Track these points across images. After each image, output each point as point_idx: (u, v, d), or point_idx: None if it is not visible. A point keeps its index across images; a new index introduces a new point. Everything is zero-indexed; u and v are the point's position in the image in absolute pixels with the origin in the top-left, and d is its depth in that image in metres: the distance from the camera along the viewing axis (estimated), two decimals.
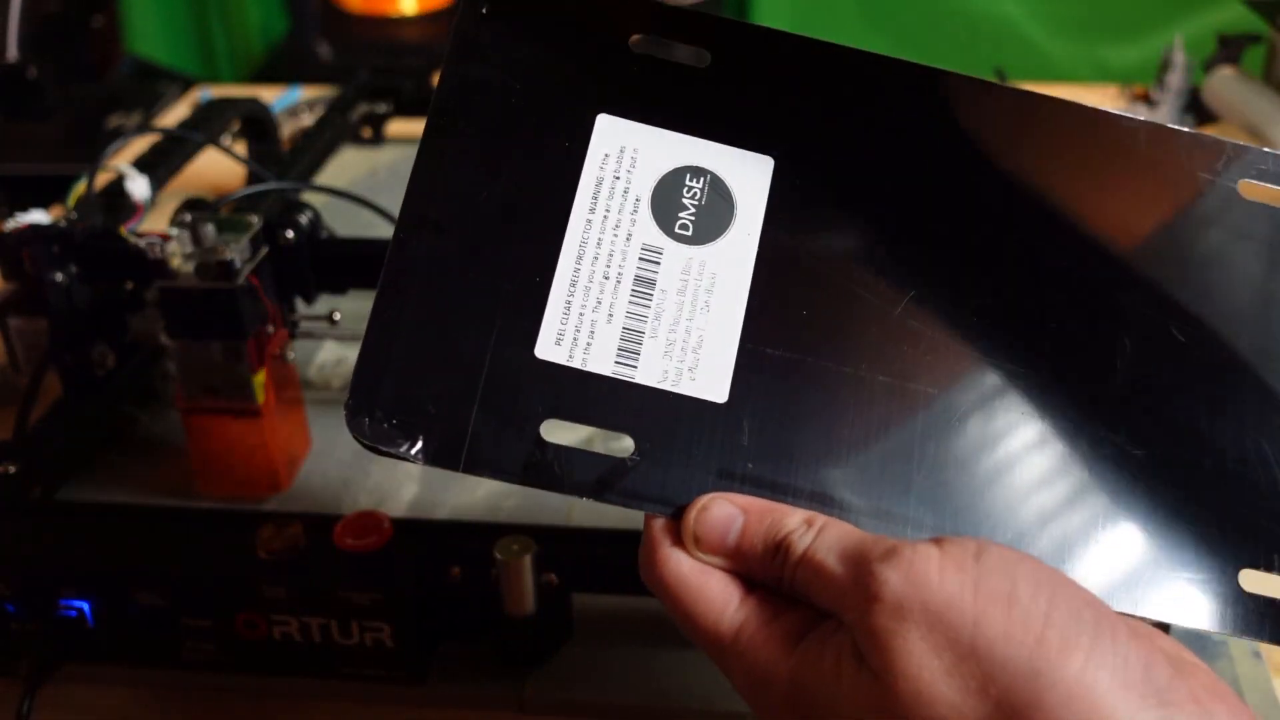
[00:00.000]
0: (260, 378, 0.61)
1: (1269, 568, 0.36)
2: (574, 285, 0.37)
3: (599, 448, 0.36)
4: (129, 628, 0.52)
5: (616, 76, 0.38)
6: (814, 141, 0.39)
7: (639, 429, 0.36)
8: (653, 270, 0.37)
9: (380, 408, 0.36)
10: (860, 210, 0.38)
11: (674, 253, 0.38)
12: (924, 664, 0.29)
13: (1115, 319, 0.37)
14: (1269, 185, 0.38)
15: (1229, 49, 1.08)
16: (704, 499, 0.35)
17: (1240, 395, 0.37)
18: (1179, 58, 1.06)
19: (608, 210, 0.38)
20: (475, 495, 0.64)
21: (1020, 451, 0.36)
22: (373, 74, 1.07)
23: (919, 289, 0.37)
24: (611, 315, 0.37)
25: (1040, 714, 0.28)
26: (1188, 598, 0.35)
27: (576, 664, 0.54)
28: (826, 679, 0.31)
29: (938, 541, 0.31)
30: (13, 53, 1.16)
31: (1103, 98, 1.14)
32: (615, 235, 0.37)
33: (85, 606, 0.52)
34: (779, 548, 0.34)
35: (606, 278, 0.37)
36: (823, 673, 0.31)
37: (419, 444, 0.35)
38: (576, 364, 0.36)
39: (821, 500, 0.36)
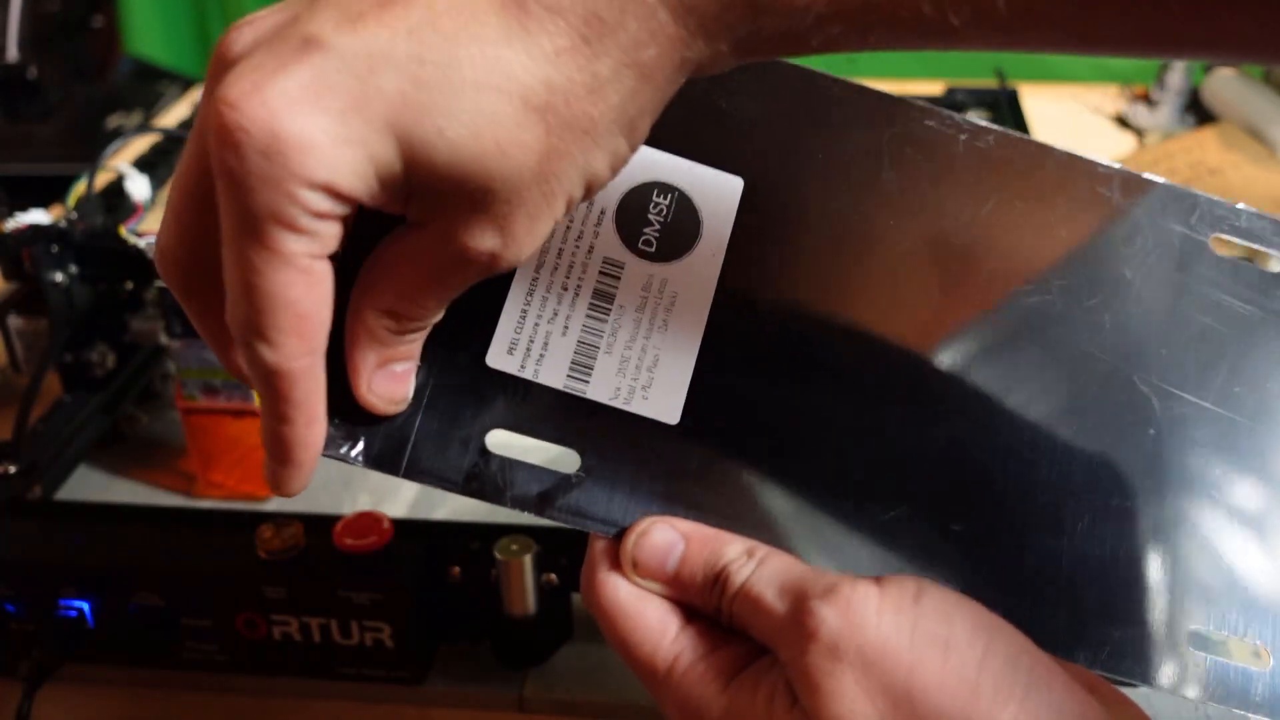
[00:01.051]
0: None
1: (1219, 627, 0.35)
2: (530, 295, 0.36)
3: (545, 463, 0.35)
4: (129, 628, 0.52)
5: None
6: (787, 167, 0.38)
7: (586, 446, 0.35)
8: (612, 285, 0.36)
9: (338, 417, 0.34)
10: (829, 241, 0.37)
11: (635, 268, 0.36)
12: (856, 708, 0.29)
13: (1082, 368, 0.36)
14: (1240, 241, 0.37)
15: None
16: (645, 523, 0.34)
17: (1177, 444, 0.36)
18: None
19: (570, 221, 0.36)
20: None
21: (972, 499, 0.35)
22: None
23: (883, 326, 0.36)
24: (567, 328, 0.36)
25: None
26: (1132, 651, 0.35)
27: (576, 664, 0.54)
28: (759, 717, 0.31)
29: (878, 580, 0.30)
30: (13, 53, 1.16)
31: (1103, 97, 1.14)
32: (577, 247, 0.36)
33: (85, 606, 0.52)
34: (718, 578, 0.32)
35: (565, 289, 0.36)
36: (755, 711, 0.31)
37: (359, 446, 0.34)
38: (528, 375, 0.35)
39: (768, 531, 0.35)
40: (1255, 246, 0.37)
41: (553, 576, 0.52)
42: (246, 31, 0.28)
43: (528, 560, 0.50)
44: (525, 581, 0.51)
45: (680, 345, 0.36)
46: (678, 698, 0.32)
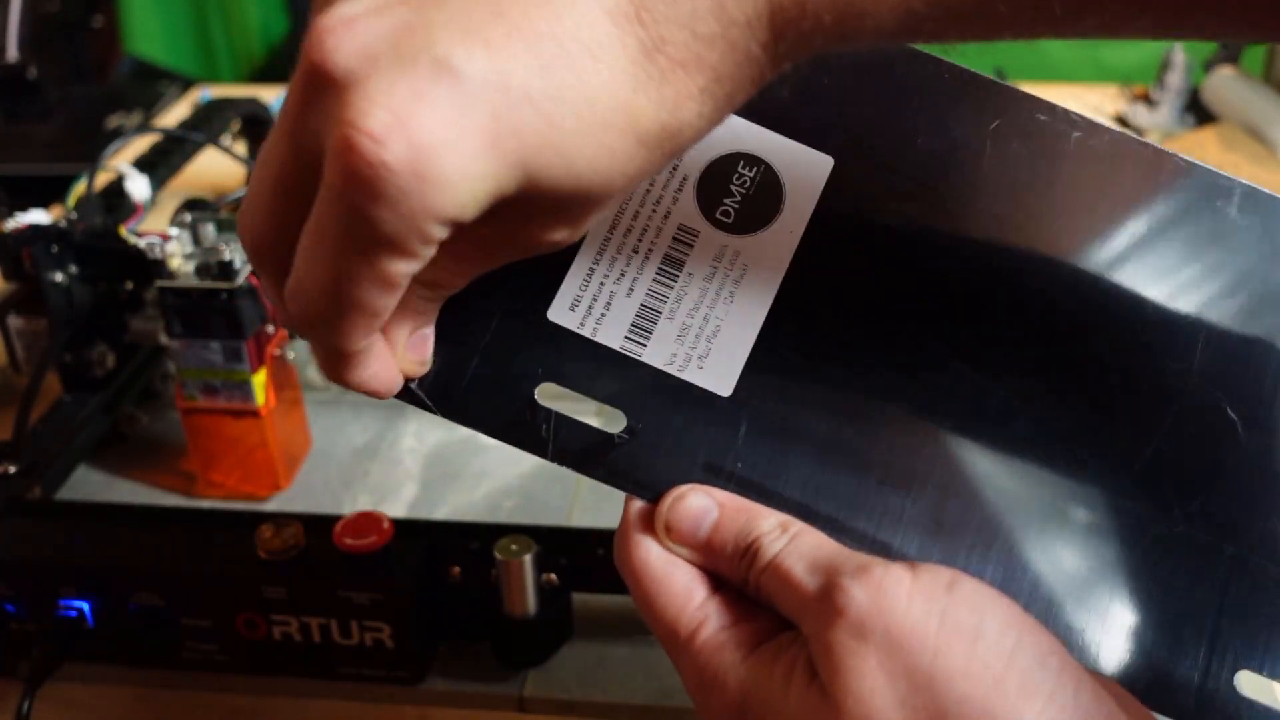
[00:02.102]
0: (260, 378, 0.61)
1: (1271, 674, 0.34)
2: (600, 254, 0.36)
3: (591, 421, 0.36)
4: (129, 628, 0.52)
5: None
6: (882, 150, 0.36)
7: (635, 408, 0.35)
8: (684, 252, 0.36)
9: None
10: (915, 230, 0.36)
11: (710, 237, 0.36)
12: (876, 688, 0.29)
13: (1159, 388, 0.35)
14: None
15: (1229, 48, 1.08)
16: (682, 488, 0.34)
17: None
18: (1179, 58, 1.06)
19: (651, 184, 0.36)
20: (475, 495, 0.64)
21: (1025, 503, 0.35)
22: None
23: (955, 323, 0.36)
24: (632, 290, 0.36)
25: None
26: (1175, 687, 0.34)
27: (576, 664, 0.54)
28: (775, 690, 0.31)
29: (912, 566, 0.30)
30: (13, 53, 1.16)
31: (1103, 97, 1.15)
32: (655, 210, 0.36)
33: (85, 606, 0.52)
34: (749, 549, 0.33)
35: (635, 251, 0.36)
36: (773, 683, 0.31)
37: (414, 380, 0.35)
38: (586, 333, 0.35)
39: (807, 514, 0.34)
40: None
41: (553, 576, 0.52)
42: (348, 37, 0.27)
43: (528, 560, 0.50)
44: (525, 581, 0.51)
45: (744, 319, 0.36)
46: (697, 664, 0.32)
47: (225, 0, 1.99)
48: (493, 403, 0.35)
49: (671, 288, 0.36)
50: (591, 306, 0.36)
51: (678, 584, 0.33)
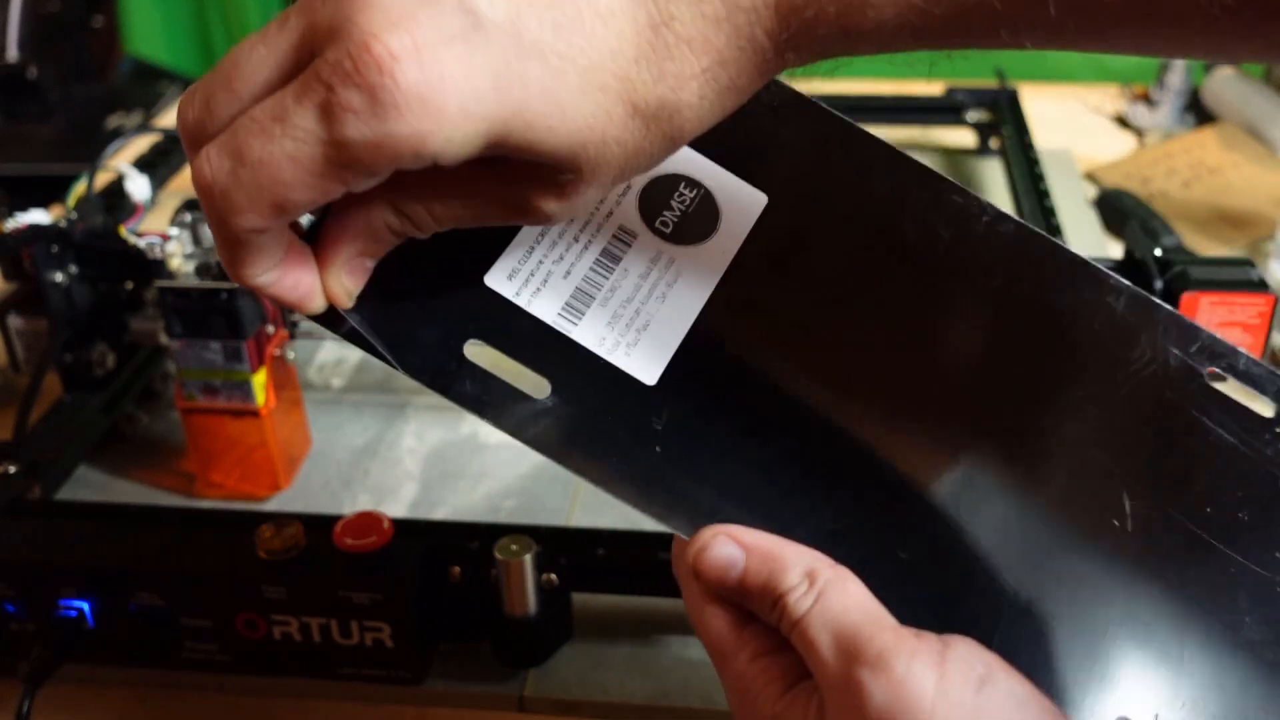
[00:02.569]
0: (260, 378, 0.61)
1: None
2: (542, 236, 0.37)
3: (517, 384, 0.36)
4: (129, 628, 0.52)
5: None
6: (812, 199, 0.39)
7: (560, 379, 0.36)
8: (622, 249, 0.38)
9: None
10: (834, 273, 0.38)
11: (647, 241, 0.38)
12: None
13: (1065, 454, 0.37)
14: (1235, 380, 0.37)
15: None
16: (706, 534, 0.34)
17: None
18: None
19: None
20: (475, 495, 0.64)
21: (924, 532, 0.36)
22: None
23: (866, 365, 0.37)
24: (569, 273, 0.37)
25: None
26: None
27: (576, 664, 0.54)
28: None
29: (940, 657, 0.30)
30: (13, 53, 1.16)
31: (1103, 97, 1.14)
32: (598, 209, 0.38)
33: (85, 606, 0.52)
34: (776, 604, 0.33)
35: (576, 240, 0.38)
36: None
37: (351, 320, 0.36)
38: (521, 303, 0.37)
39: (713, 503, 0.36)
40: (1249, 390, 0.37)
41: (553, 576, 0.52)
42: None
43: (528, 560, 0.50)
44: (525, 581, 0.51)
45: (674, 318, 0.37)
46: (740, 686, 0.33)
47: (225, 0, 1.99)
48: (422, 350, 0.36)
49: (607, 278, 0.38)
50: (529, 280, 0.37)
51: (723, 618, 0.34)
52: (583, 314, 0.37)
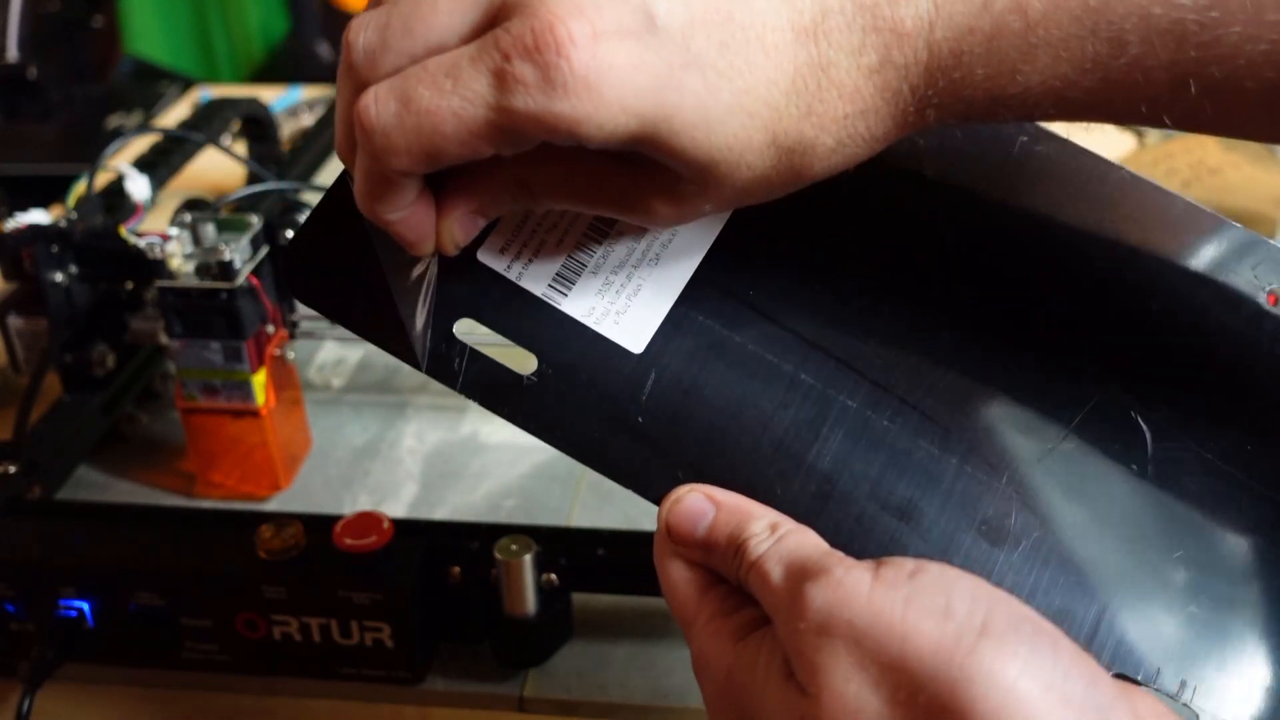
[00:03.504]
0: (260, 378, 0.61)
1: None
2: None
3: (504, 361, 0.37)
4: (129, 628, 0.52)
5: None
6: None
7: (548, 354, 0.37)
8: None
9: (319, 263, 0.37)
10: (843, 221, 0.38)
11: None
12: (850, 677, 0.29)
13: (1082, 381, 0.36)
14: None
15: None
16: (682, 489, 0.35)
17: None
18: None
19: None
20: (475, 495, 0.64)
21: (920, 483, 0.35)
22: None
23: (871, 300, 0.37)
24: (562, 240, 0.37)
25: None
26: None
27: (576, 664, 0.54)
28: (757, 678, 0.31)
29: (877, 563, 0.31)
30: (13, 53, 1.16)
31: None
32: None
33: (85, 606, 0.52)
34: (739, 549, 0.33)
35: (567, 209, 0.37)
36: (755, 672, 0.31)
37: (340, 303, 0.37)
38: (512, 276, 0.37)
39: (699, 474, 0.35)
40: None
41: (553, 576, 0.52)
42: None
43: (528, 560, 0.50)
44: (525, 581, 0.51)
45: (666, 283, 0.37)
46: (696, 647, 0.34)
47: (225, 0, 1.99)
48: (416, 333, 0.37)
49: (600, 244, 0.37)
50: (521, 252, 0.37)
51: (686, 577, 0.35)
52: (573, 284, 0.37)
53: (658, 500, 0.36)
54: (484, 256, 0.37)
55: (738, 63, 0.30)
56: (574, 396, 0.36)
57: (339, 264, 0.37)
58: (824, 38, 0.31)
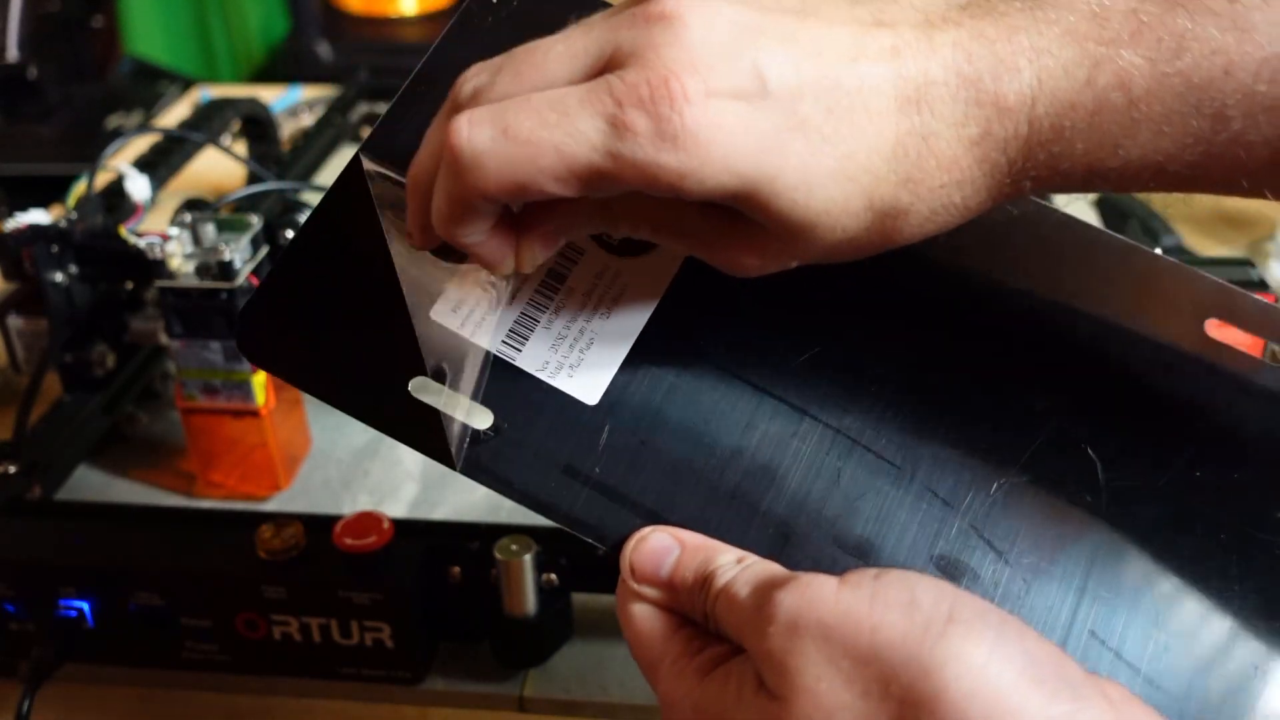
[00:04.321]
0: (260, 378, 0.61)
1: None
2: None
3: (460, 416, 0.37)
4: (129, 628, 0.52)
5: None
6: None
7: (504, 408, 0.37)
8: (567, 267, 0.38)
9: (272, 326, 0.37)
10: (797, 273, 0.38)
11: (594, 256, 0.38)
12: (822, 675, 0.29)
13: (1024, 420, 0.36)
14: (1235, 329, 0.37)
15: None
16: (645, 530, 0.35)
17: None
18: None
19: None
20: (475, 495, 0.64)
21: (876, 521, 0.36)
22: (373, 74, 1.07)
23: (821, 347, 0.37)
24: (514, 297, 0.37)
25: (943, 707, 0.27)
26: None
27: (576, 664, 0.54)
28: (728, 703, 0.31)
29: (842, 574, 0.31)
30: (13, 53, 1.16)
31: None
32: None
33: (85, 606, 0.52)
34: (705, 581, 0.33)
35: None
36: (725, 699, 0.31)
37: (300, 367, 0.37)
38: (466, 334, 0.37)
39: (655, 520, 0.36)
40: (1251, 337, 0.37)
41: (553, 576, 0.52)
42: (704, 15, 0.30)
43: (528, 560, 0.50)
44: (525, 581, 0.51)
45: (618, 334, 0.37)
46: (663, 690, 0.34)
47: (225, 0, 1.99)
48: (369, 393, 0.37)
49: (552, 299, 0.38)
50: (473, 310, 0.37)
51: (651, 623, 0.35)
52: (526, 339, 0.37)
53: (616, 550, 0.35)
54: (437, 314, 0.37)
55: (842, 129, 0.30)
56: (530, 449, 0.36)
57: (297, 322, 0.38)
58: (927, 108, 0.31)
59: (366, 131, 1.03)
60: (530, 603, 0.51)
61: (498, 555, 0.50)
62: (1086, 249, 0.38)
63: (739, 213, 0.32)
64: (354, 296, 0.37)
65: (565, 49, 0.31)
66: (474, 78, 0.33)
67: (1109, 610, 0.34)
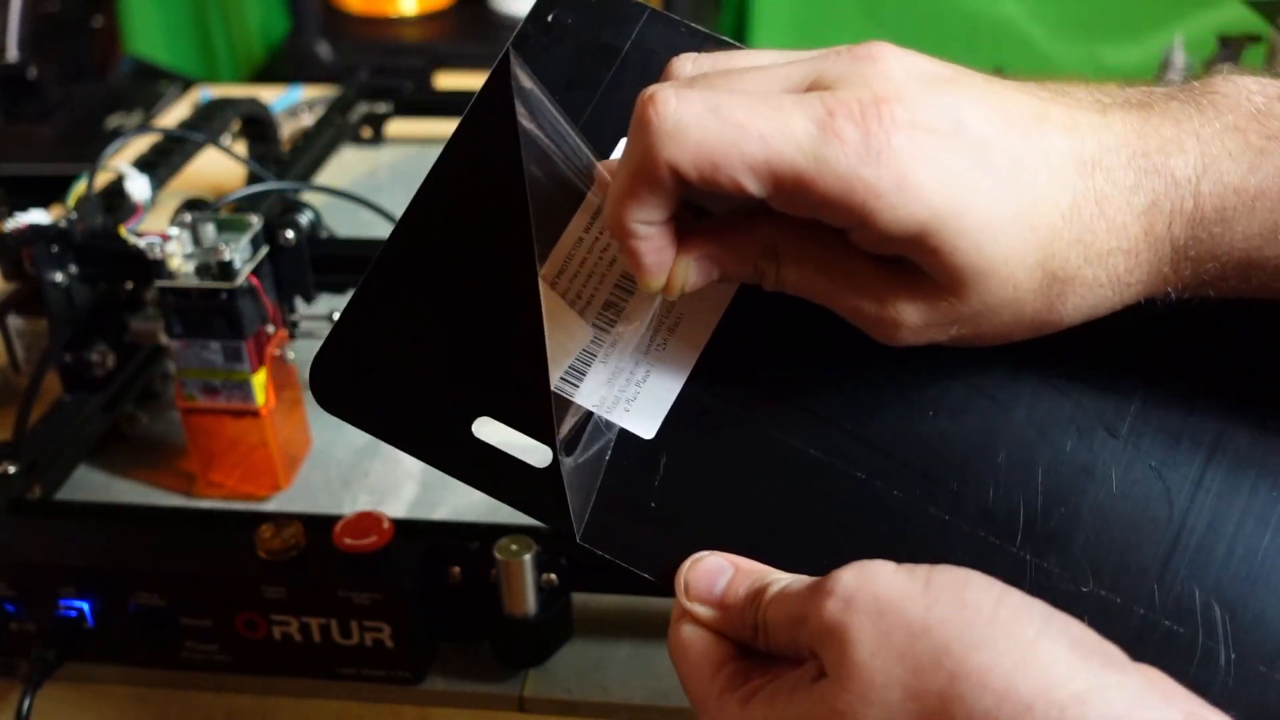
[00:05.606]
0: (260, 378, 0.61)
1: None
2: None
3: (518, 453, 0.37)
4: (129, 628, 0.52)
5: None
6: None
7: (563, 444, 0.36)
8: (624, 299, 0.38)
9: (347, 377, 0.38)
10: None
11: None
12: (876, 650, 0.30)
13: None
14: None
15: (1229, 49, 1.07)
16: (701, 554, 0.36)
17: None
18: (1179, 58, 1.06)
19: (600, 234, 0.38)
20: (475, 495, 0.63)
21: (931, 550, 0.35)
22: (373, 74, 1.06)
23: (878, 372, 0.37)
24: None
25: (994, 679, 0.28)
26: None
27: (576, 664, 0.54)
28: (779, 706, 0.32)
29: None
30: (13, 53, 1.16)
31: None
32: (600, 258, 0.38)
33: (85, 606, 0.52)
34: (758, 594, 0.34)
35: (579, 296, 0.37)
36: (774, 708, 0.32)
37: (369, 411, 0.37)
38: None
39: (719, 548, 0.36)
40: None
41: (553, 577, 0.52)
42: (905, 62, 0.32)
43: (528, 560, 0.50)
44: (525, 581, 0.51)
45: (673, 367, 0.37)
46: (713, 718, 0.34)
47: (225, 0, 1.99)
48: (432, 433, 0.37)
49: (609, 333, 0.37)
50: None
51: (702, 652, 0.35)
52: (584, 375, 0.37)
53: (665, 580, 0.36)
54: None
55: (1025, 178, 0.31)
56: (587, 484, 0.36)
57: (371, 367, 0.38)
58: (1102, 172, 0.32)
59: (367, 131, 1.04)
60: (530, 603, 0.51)
61: (498, 555, 0.50)
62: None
63: (908, 266, 0.32)
64: (422, 339, 0.37)
65: (773, 72, 0.33)
66: (687, 65, 0.34)
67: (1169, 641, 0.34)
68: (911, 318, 0.33)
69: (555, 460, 0.36)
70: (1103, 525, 0.35)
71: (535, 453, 0.36)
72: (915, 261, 0.32)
